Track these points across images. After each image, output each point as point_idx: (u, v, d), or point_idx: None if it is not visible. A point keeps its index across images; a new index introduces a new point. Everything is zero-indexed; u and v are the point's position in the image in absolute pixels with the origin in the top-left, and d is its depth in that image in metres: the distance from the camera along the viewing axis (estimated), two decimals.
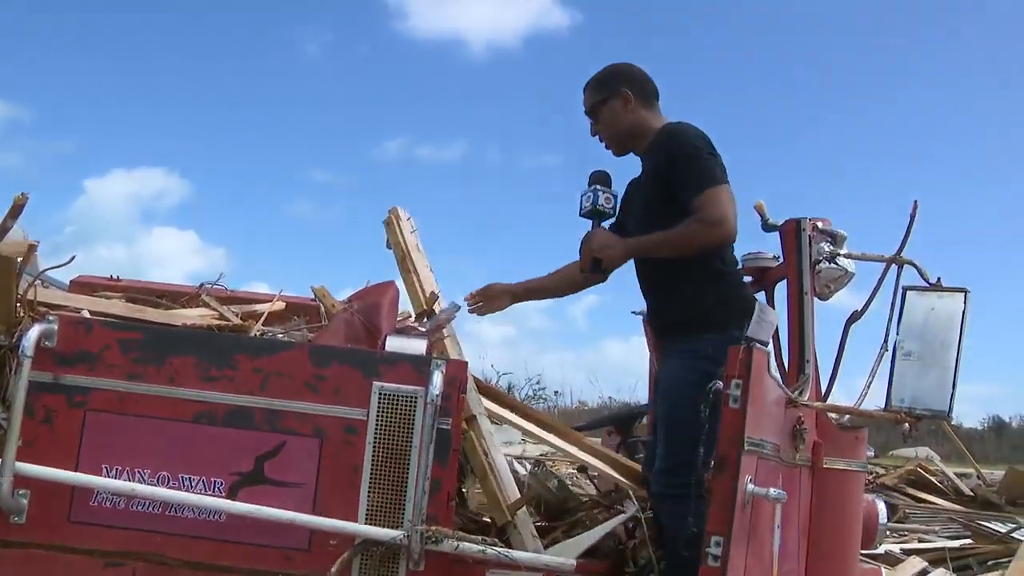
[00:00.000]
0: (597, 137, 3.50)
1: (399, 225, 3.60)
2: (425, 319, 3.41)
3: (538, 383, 17.69)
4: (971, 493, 9.45)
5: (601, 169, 3.41)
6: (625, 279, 3.52)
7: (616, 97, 3.39)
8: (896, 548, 6.63)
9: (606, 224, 3.40)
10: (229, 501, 2.78)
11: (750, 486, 2.37)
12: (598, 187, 3.32)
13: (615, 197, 3.35)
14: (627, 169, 3.54)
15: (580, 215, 3.37)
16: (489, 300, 3.58)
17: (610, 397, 17.89)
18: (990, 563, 6.77)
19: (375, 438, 2.81)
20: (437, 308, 3.47)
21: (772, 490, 2.41)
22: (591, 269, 3.37)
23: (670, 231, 3.12)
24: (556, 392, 18.25)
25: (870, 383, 3.04)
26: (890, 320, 3.02)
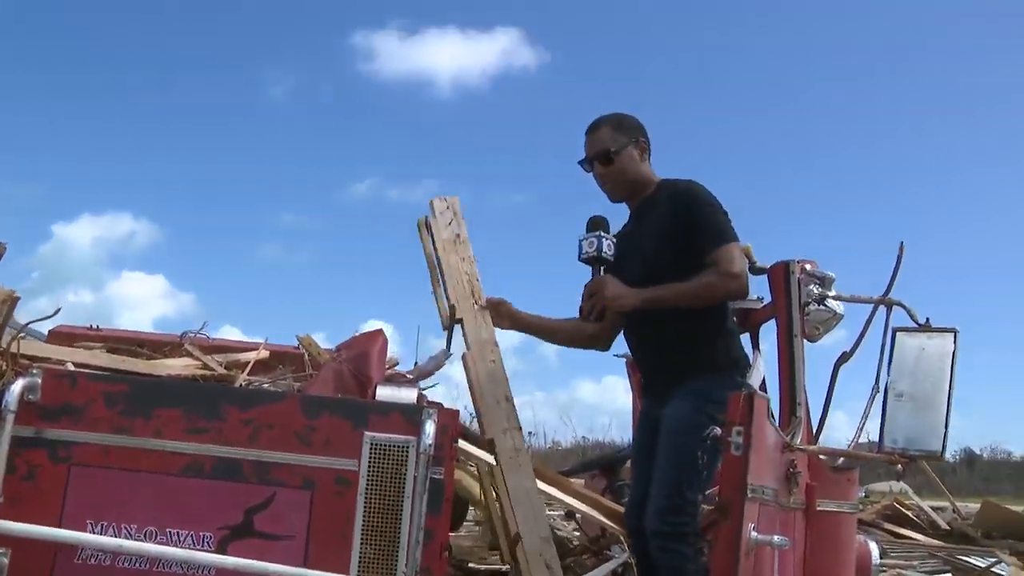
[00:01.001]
0: (598, 181, 3.48)
1: (429, 231, 3.60)
2: (450, 330, 3.44)
3: None
4: (947, 527, 9.46)
5: (599, 215, 3.35)
6: None
7: (635, 145, 3.43)
8: None
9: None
10: (218, 555, 2.72)
11: (754, 534, 2.36)
12: (602, 233, 3.25)
13: (614, 244, 3.28)
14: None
15: (580, 260, 3.29)
16: (496, 315, 3.53)
17: (584, 437, 17.86)
18: None
19: (367, 489, 2.76)
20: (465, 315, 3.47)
21: (776, 537, 2.40)
22: (596, 318, 3.30)
23: (686, 283, 3.15)
24: (530, 433, 18.13)
25: (863, 425, 3.06)
26: (881, 361, 3.04)
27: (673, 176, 3.46)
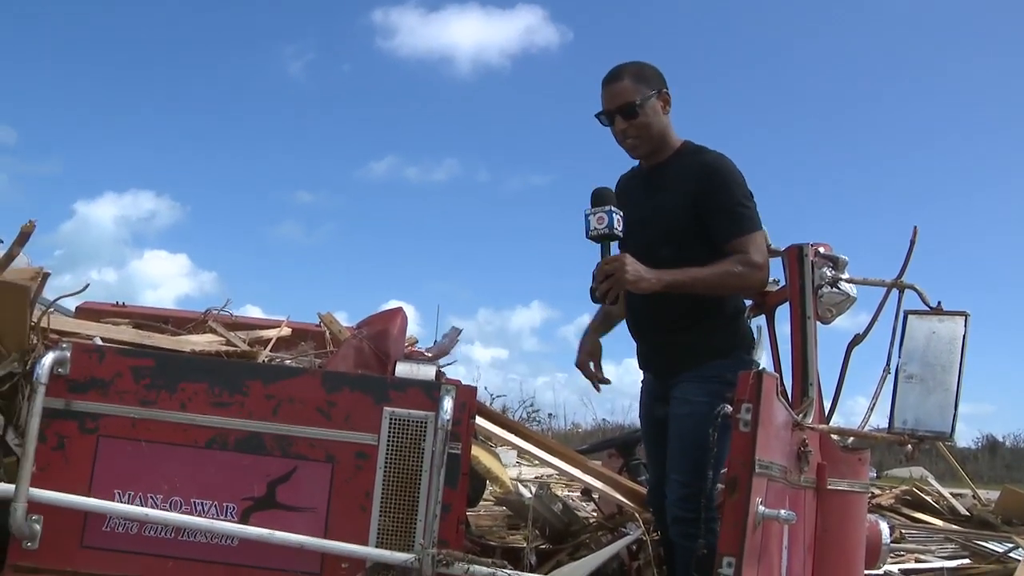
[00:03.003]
0: (619, 136, 3.28)
1: None
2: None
3: (532, 405, 17.63)
4: (967, 513, 9.42)
5: (605, 187, 3.07)
6: None
7: (659, 96, 3.25)
8: (895, 569, 6.64)
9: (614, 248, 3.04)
10: (241, 526, 2.81)
11: (761, 508, 2.41)
12: (612, 208, 2.97)
13: (623, 219, 3.00)
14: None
15: (588, 237, 3.00)
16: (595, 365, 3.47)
17: (604, 419, 17.84)
18: None
19: (386, 463, 2.84)
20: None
21: (783, 511, 2.45)
22: (611, 301, 3.03)
23: (709, 270, 3.06)
24: (550, 414, 18.20)
25: (873, 405, 3.09)
26: (892, 343, 3.07)
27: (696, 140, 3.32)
